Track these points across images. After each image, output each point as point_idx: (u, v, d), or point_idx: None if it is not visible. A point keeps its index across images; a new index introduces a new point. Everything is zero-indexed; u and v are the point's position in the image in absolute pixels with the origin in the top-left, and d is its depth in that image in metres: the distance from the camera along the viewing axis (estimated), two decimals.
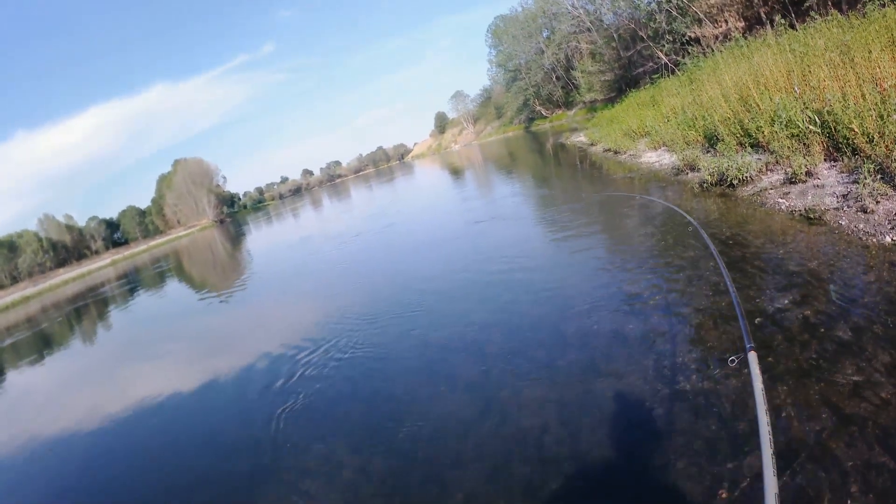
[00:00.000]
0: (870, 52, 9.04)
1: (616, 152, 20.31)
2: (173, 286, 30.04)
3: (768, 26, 20.06)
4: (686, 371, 4.64)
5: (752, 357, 2.85)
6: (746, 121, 11.21)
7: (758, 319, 5.05)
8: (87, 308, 32.35)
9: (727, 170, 9.97)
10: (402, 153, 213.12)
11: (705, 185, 10.63)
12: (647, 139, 18.42)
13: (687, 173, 12.36)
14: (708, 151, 12.64)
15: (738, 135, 11.51)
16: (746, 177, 9.60)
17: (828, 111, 8.59)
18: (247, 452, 6.15)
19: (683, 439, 3.87)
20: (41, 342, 24.53)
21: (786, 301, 5.23)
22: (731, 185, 9.83)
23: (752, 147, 10.91)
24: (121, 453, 7.59)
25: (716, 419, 3.94)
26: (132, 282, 40.89)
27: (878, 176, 6.77)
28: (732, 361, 3.11)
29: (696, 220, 7.67)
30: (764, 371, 3.99)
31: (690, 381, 4.47)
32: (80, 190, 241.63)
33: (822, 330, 4.57)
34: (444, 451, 4.85)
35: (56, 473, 7.66)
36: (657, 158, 15.56)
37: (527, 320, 7.17)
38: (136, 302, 28.37)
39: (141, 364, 13.06)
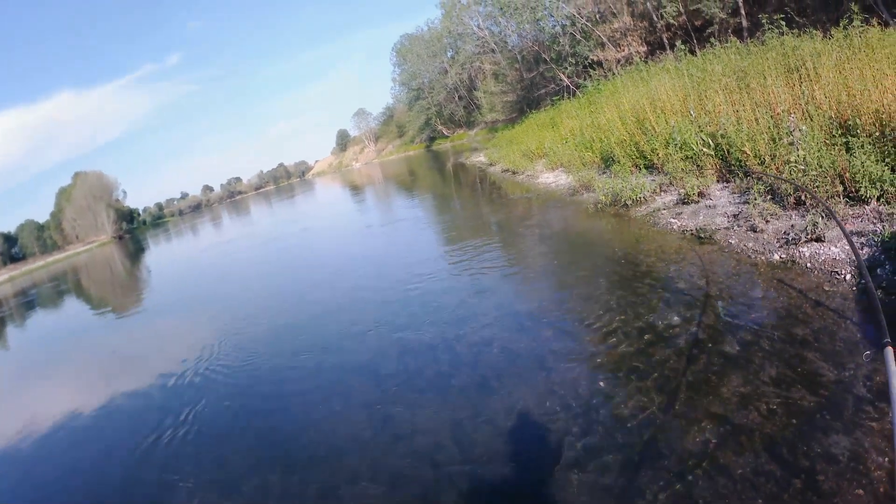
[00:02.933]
0: (765, 77, 9.32)
1: (514, 172, 20.43)
2: (71, 304, 28.96)
3: (669, 51, 20.49)
4: None
5: (890, 352, 2.63)
6: (642, 143, 11.49)
7: (647, 336, 5.07)
8: None
9: (621, 190, 10.11)
10: (302, 170, 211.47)
11: (600, 205, 10.73)
12: (545, 160, 18.59)
13: (583, 194, 12.48)
14: (604, 173, 12.86)
15: (634, 156, 11.80)
16: (640, 197, 9.74)
17: (721, 134, 8.82)
18: (139, 475, 5.71)
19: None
20: None
21: (675, 318, 5.27)
22: (625, 205, 9.94)
23: (646, 168, 11.22)
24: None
25: None
26: (30, 299, 39.29)
27: (768, 196, 6.88)
28: (867, 356, 2.92)
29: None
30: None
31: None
32: None
33: (710, 345, 4.62)
34: (340, 468, 4.73)
35: None
36: (554, 179, 15.66)
37: (423, 339, 6.95)
38: (32, 321, 27.24)
39: (31, 383, 12.40)
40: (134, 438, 6.70)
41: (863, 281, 4.43)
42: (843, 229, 3.72)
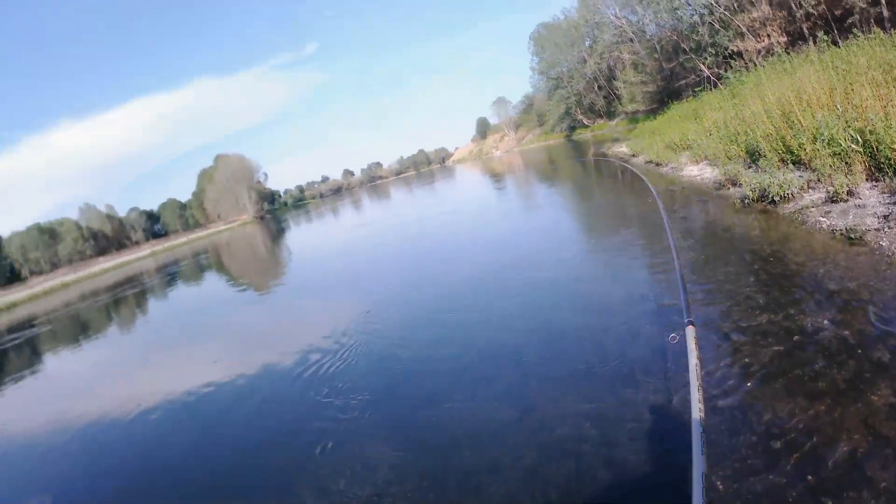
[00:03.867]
0: None
1: (658, 164, 20.28)
2: (212, 279, 30.81)
3: (811, 42, 19.98)
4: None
5: (690, 332, 2.91)
6: (788, 137, 11.22)
7: (796, 338, 5.11)
8: (124, 297, 33.17)
9: (769, 186, 9.96)
10: (442, 157, 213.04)
11: (747, 200, 10.61)
12: (688, 152, 18.38)
13: (728, 188, 12.36)
14: (750, 167, 12.63)
15: (780, 151, 11.51)
16: (788, 194, 9.59)
17: (870, 130, 8.61)
18: (280, 448, 6.41)
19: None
20: (76, 329, 25.16)
21: (824, 320, 5.27)
22: (773, 201, 9.80)
23: (793, 164, 10.93)
24: (149, 444, 7.92)
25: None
26: (171, 273, 41.63)
27: None
28: (673, 338, 3.09)
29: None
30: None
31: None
32: (123, 182, 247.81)
33: (860, 350, 4.60)
34: (480, 455, 4.94)
35: (79, 460, 8.07)
36: (699, 172, 15.55)
37: (568, 326, 7.31)
38: (173, 293, 29.05)
39: (173, 355, 13.66)
40: (274, 412, 7.59)
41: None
42: None
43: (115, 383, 12.32)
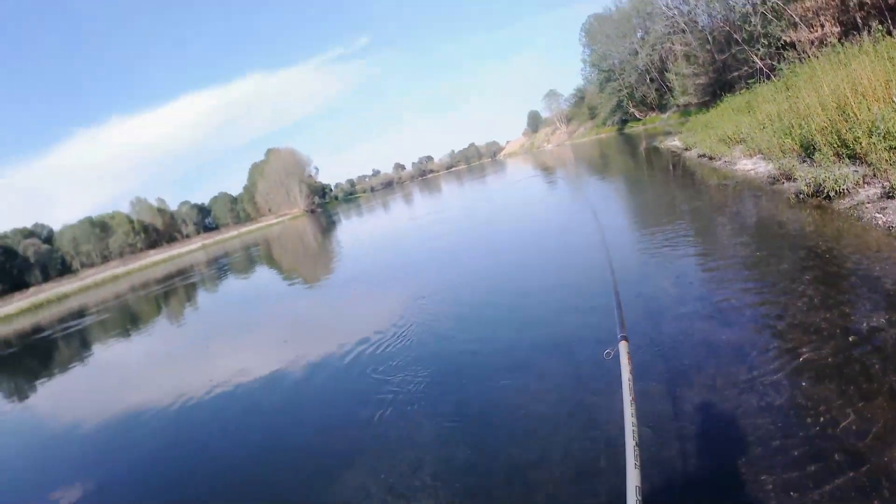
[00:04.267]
0: None
1: (711, 158, 19.99)
2: (263, 272, 31.43)
3: (865, 32, 19.60)
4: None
5: (623, 346, 2.94)
6: (843, 131, 10.99)
7: (851, 338, 5.05)
8: (174, 289, 34.00)
9: (824, 181, 9.80)
10: (494, 151, 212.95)
11: (801, 195, 10.48)
12: (742, 146, 18.14)
13: (783, 182, 12.18)
14: (804, 161, 12.42)
15: (835, 145, 11.24)
16: (843, 189, 9.42)
17: None
18: (333, 436, 6.71)
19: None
20: (126, 320, 25.89)
21: (882, 320, 5.21)
22: (828, 196, 9.65)
23: (849, 158, 10.67)
24: (212, 430, 8.28)
25: None
26: (222, 266, 42.36)
27: None
28: (608, 354, 3.10)
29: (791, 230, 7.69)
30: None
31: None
32: (173, 175, 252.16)
33: None
34: (528, 450, 5.00)
35: (143, 447, 8.35)
36: (752, 166, 15.32)
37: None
38: (225, 286, 29.65)
39: (236, 341, 14.13)
40: (327, 401, 7.97)
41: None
42: None
43: (190, 365, 12.58)
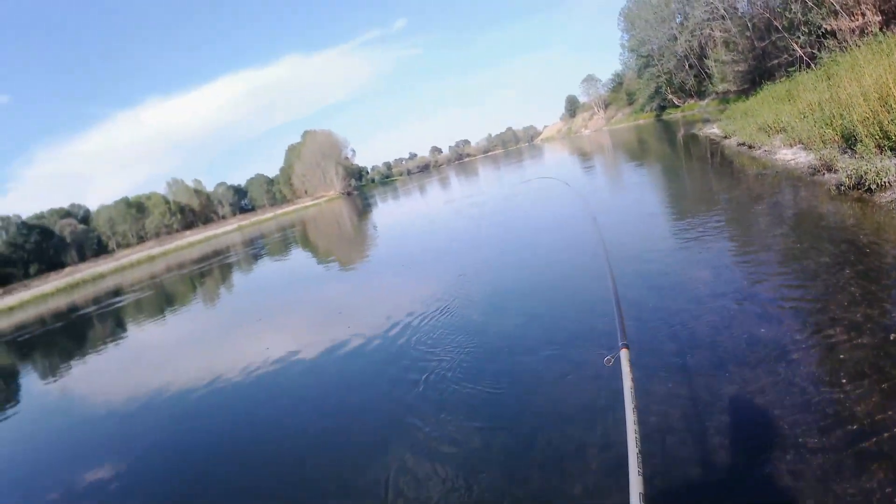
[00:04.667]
0: None
1: (750, 147, 19.80)
2: (299, 255, 31.72)
3: None
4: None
5: (624, 354, 3.01)
6: (886, 122, 10.87)
7: (893, 335, 5.01)
8: (210, 271, 34.60)
9: (865, 173, 9.71)
10: (531, 135, 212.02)
11: (842, 187, 10.36)
12: (782, 135, 17.97)
13: (823, 174, 12.06)
14: (845, 152, 12.30)
15: (877, 136, 11.13)
16: (885, 182, 9.34)
17: None
18: (368, 418, 6.90)
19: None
20: (163, 300, 26.36)
21: None
22: (869, 189, 9.56)
23: (891, 150, 10.58)
24: (230, 417, 8.55)
25: None
26: (258, 247, 42.86)
27: None
28: (608, 361, 3.15)
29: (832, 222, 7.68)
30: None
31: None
32: (209, 156, 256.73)
33: None
34: (566, 439, 5.02)
35: (159, 431, 8.77)
36: (793, 156, 15.18)
37: (658, 312, 7.32)
38: (259, 268, 30.11)
39: (259, 330, 14.14)
40: (362, 386, 8.16)
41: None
42: None
43: (196, 356, 12.91)
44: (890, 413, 4.03)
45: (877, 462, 3.66)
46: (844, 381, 4.60)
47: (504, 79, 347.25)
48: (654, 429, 4.72)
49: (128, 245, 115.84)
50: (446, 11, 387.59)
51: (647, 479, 2.16)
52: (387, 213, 45.48)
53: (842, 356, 4.98)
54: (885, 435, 3.85)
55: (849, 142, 12.44)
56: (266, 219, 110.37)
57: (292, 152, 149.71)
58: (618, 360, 2.98)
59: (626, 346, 3.09)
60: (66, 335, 24.96)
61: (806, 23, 30.01)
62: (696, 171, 21.36)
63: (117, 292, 37.41)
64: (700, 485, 4.04)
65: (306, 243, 36.74)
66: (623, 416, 2.38)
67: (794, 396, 4.60)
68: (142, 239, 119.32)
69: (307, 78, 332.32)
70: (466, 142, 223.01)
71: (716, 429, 4.55)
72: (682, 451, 4.39)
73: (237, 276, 28.91)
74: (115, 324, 22.82)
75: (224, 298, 22.23)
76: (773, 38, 37.18)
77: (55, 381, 15.32)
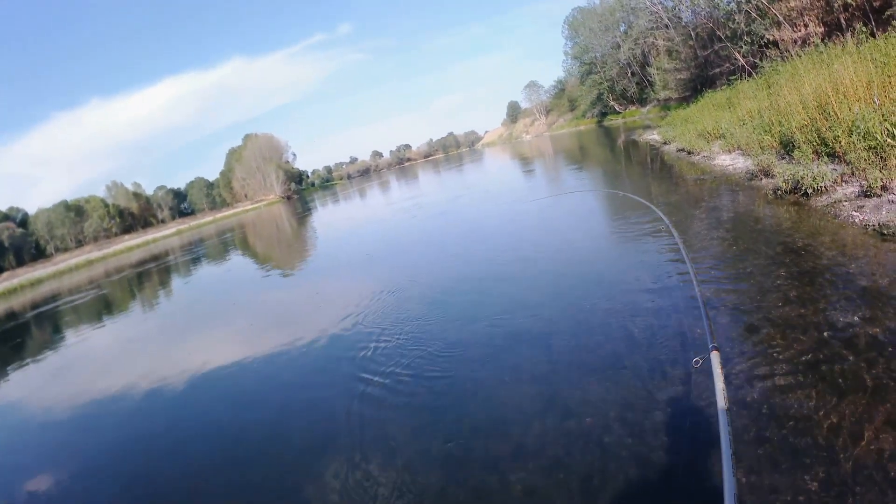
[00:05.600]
0: None
1: (689, 153, 20.05)
2: (236, 259, 31.27)
3: (848, 33, 19.67)
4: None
5: (715, 356, 2.89)
6: (824, 129, 11.01)
7: (826, 333, 5.03)
8: (148, 274, 33.75)
9: (802, 178, 9.81)
10: (472, 140, 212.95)
11: (779, 192, 10.49)
12: (721, 141, 18.18)
13: (761, 179, 12.19)
14: (783, 158, 12.44)
15: (815, 143, 11.29)
16: (821, 187, 9.43)
17: None
18: (303, 428, 6.58)
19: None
20: (101, 306, 25.57)
21: (854, 317, 5.20)
22: (805, 193, 9.67)
23: (828, 157, 10.73)
24: (173, 422, 8.07)
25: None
26: (196, 252, 42.15)
27: None
28: (697, 363, 3.06)
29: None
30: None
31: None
32: (151, 160, 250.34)
33: (891, 349, 4.51)
34: (505, 442, 4.94)
35: (107, 438, 8.18)
36: (731, 162, 15.36)
37: (595, 314, 7.27)
38: (197, 272, 29.59)
39: (194, 335, 13.90)
40: (301, 392, 7.76)
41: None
42: None
43: (134, 361, 12.57)
44: (824, 410, 4.01)
45: (812, 458, 3.61)
46: (778, 377, 4.57)
47: (447, 84, 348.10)
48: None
49: (66, 249, 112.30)
50: (391, 17, 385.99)
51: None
52: (324, 218, 45.08)
53: (775, 354, 4.95)
54: (821, 431, 3.82)
55: (787, 148, 12.60)
56: (206, 222, 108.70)
57: (233, 156, 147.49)
58: (708, 363, 2.88)
59: (717, 349, 2.97)
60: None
61: (749, 33, 30.66)
62: (638, 175, 21.49)
63: (55, 297, 36.24)
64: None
65: (245, 247, 36.21)
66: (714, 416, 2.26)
67: (728, 389, 4.42)
68: (81, 243, 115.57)
69: (251, 81, 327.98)
70: (408, 146, 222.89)
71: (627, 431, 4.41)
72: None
73: (175, 281, 28.17)
74: (53, 330, 21.99)
75: (162, 304, 21.50)
76: (716, 48, 37.88)
77: None
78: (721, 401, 2.45)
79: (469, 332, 8.00)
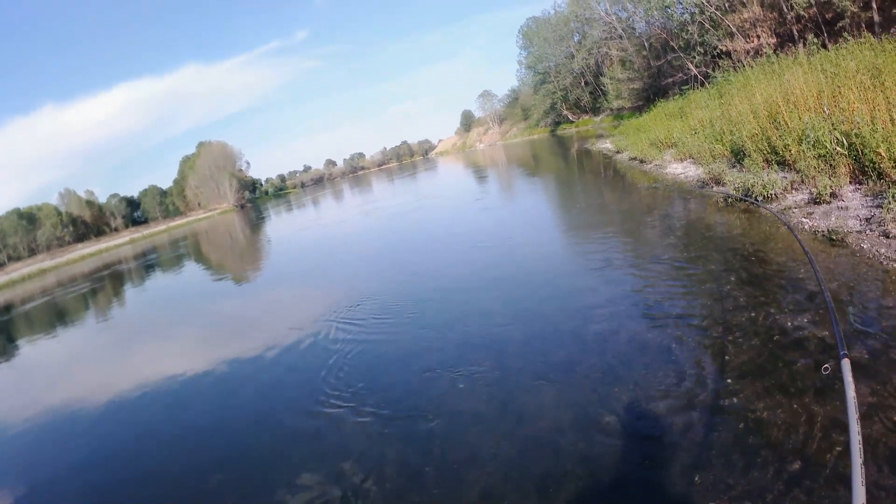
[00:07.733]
0: None
1: (642, 161, 20.29)
2: (188, 267, 30.73)
3: (800, 45, 20.06)
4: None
5: (846, 365, 2.84)
6: (774, 138, 11.21)
7: (776, 337, 5.09)
8: (101, 284, 32.98)
9: (752, 186, 9.98)
10: (426, 149, 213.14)
11: (730, 199, 10.63)
12: (673, 150, 18.40)
13: (712, 187, 12.35)
14: (734, 166, 12.65)
15: (765, 152, 11.53)
16: (771, 194, 9.59)
17: (856, 133, 8.60)
18: (257, 437, 6.39)
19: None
20: (53, 315, 24.95)
21: (804, 320, 5.26)
22: (756, 201, 9.78)
23: (778, 165, 10.92)
24: (131, 433, 7.77)
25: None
26: (149, 261, 41.56)
27: None
28: (826, 370, 3.07)
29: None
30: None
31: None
32: (104, 167, 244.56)
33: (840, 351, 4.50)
34: (460, 448, 4.90)
35: (64, 450, 7.80)
36: (683, 170, 15.56)
37: (549, 321, 7.25)
38: (149, 281, 29.14)
39: (146, 344, 13.46)
40: (253, 401, 7.49)
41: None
42: None
43: (86, 372, 12.19)
44: (774, 410, 4.06)
45: (763, 457, 3.65)
46: (729, 380, 4.62)
47: (401, 92, 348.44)
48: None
49: (19, 258, 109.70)
50: (346, 25, 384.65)
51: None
52: (277, 226, 44.63)
53: (726, 357, 5.01)
54: (771, 431, 3.86)
55: (738, 156, 12.79)
56: (159, 231, 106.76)
57: (186, 164, 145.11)
58: (837, 370, 2.80)
59: (848, 356, 2.88)
60: None
61: (702, 43, 31.19)
62: (591, 184, 21.63)
63: (8, 308, 35.30)
64: None
65: (198, 256, 35.66)
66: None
67: (679, 398, 4.58)
68: (33, 252, 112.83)
69: (206, 87, 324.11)
70: (361, 155, 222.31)
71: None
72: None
73: (128, 291, 27.58)
74: (6, 340, 21.37)
75: (114, 313, 20.83)
76: (669, 58, 38.46)
77: None
78: (852, 410, 2.39)
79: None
